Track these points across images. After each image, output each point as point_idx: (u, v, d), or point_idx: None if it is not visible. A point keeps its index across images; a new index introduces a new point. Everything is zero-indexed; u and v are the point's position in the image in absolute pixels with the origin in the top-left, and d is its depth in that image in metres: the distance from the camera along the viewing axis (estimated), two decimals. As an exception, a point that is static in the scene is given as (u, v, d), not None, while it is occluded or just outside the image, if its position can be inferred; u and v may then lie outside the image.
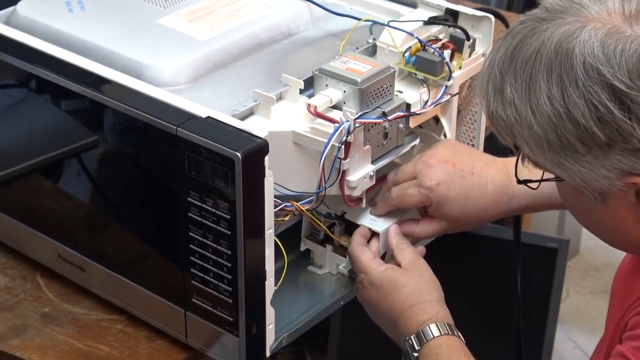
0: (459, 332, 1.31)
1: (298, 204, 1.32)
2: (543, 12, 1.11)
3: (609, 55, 1.05)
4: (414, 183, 1.41)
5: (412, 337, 1.30)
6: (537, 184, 1.19)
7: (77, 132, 1.38)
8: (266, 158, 1.20)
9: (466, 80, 1.50)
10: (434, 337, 1.29)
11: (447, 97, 1.44)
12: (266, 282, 1.27)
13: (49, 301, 1.45)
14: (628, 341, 1.15)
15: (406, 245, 1.40)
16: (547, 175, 1.16)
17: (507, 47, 1.12)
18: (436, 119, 1.49)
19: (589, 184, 1.10)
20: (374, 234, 1.43)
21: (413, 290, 1.33)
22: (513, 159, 1.44)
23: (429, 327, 1.29)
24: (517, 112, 1.10)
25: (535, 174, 1.19)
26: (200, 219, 1.25)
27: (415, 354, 1.29)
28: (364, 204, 1.41)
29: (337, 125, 1.29)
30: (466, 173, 1.40)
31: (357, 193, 1.37)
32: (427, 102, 1.42)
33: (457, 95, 1.48)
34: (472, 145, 1.56)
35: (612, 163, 1.08)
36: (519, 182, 1.22)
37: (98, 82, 1.31)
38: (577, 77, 1.06)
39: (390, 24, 1.43)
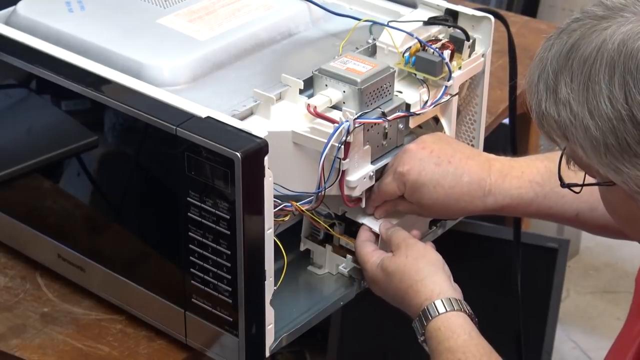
0: (463, 304, 1.30)
1: (298, 204, 1.32)
2: (602, 10, 1.05)
3: None
4: (390, 171, 1.40)
5: (415, 322, 1.30)
6: (579, 188, 1.14)
7: (77, 132, 1.38)
8: (266, 158, 1.20)
9: (466, 81, 1.50)
10: (431, 318, 1.28)
11: (446, 98, 1.44)
12: (266, 282, 1.27)
13: (48, 301, 1.45)
14: None
15: (395, 229, 1.39)
16: (590, 180, 1.11)
17: (562, 45, 1.05)
18: (436, 119, 1.49)
19: None
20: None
21: (402, 273, 1.33)
22: (501, 157, 1.43)
23: (426, 308, 1.29)
24: (573, 113, 1.04)
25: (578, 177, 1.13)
26: (199, 219, 1.25)
27: (422, 338, 1.29)
28: (363, 204, 1.41)
29: (336, 125, 1.29)
30: (442, 161, 1.38)
31: (356, 193, 1.37)
32: (426, 102, 1.42)
33: (457, 96, 1.48)
34: (472, 146, 1.55)
35: None
36: (563, 185, 1.16)
37: (98, 82, 1.31)
38: None
39: (390, 24, 1.43)
